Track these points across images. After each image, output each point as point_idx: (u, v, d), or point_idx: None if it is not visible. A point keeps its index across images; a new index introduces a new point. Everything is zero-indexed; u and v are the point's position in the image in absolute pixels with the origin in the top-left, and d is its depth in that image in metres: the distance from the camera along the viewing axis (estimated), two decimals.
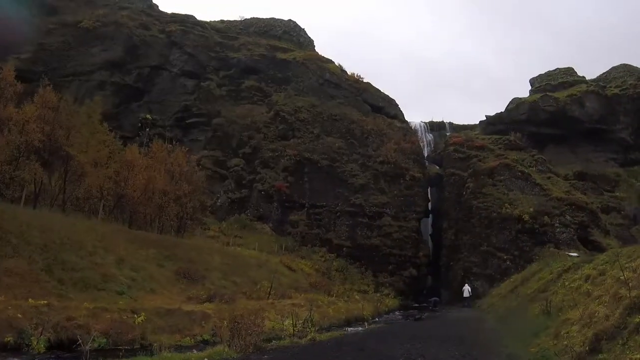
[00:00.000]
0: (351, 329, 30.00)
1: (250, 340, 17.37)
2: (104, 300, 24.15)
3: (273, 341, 20.92)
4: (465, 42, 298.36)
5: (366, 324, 31.79)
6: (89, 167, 37.37)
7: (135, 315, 21.76)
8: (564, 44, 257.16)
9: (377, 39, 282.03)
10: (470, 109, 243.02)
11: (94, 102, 42.08)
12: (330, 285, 47.60)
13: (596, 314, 15.83)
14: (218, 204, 63.83)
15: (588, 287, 20.15)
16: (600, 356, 13.04)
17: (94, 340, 19.29)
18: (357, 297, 45.86)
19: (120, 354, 17.28)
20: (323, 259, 56.63)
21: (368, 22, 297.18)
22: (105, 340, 20.04)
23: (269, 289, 36.32)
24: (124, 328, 21.35)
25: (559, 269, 28.87)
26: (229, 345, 17.41)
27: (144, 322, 21.61)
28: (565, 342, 15.36)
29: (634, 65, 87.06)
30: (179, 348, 20.54)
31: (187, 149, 48.61)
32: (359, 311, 38.58)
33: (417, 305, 54.88)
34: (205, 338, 23.33)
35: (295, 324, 28.81)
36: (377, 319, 38.82)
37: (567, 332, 16.45)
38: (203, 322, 25.53)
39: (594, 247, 50.79)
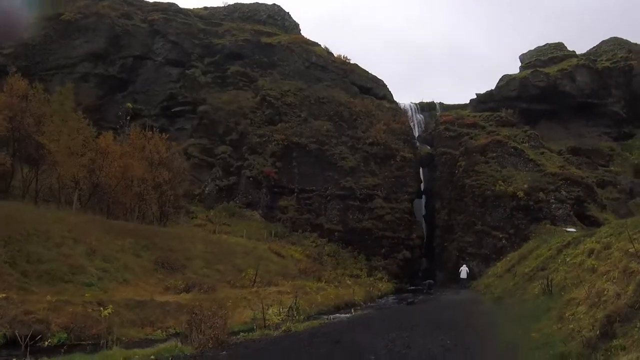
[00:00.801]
0: (339, 315, 27.80)
1: (211, 334, 15.15)
2: (68, 292, 22.55)
3: (241, 334, 18.73)
4: (453, 25, 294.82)
5: (353, 310, 29.56)
6: (61, 155, 35.13)
7: (102, 308, 19.86)
8: (552, 22, 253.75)
9: (364, 25, 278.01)
10: (461, 91, 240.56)
11: (66, 89, 39.65)
12: (321, 271, 45.56)
13: (605, 292, 13.77)
14: (206, 192, 61.63)
15: (592, 263, 17.98)
16: (615, 342, 10.90)
17: (53, 335, 18.41)
18: (348, 282, 43.81)
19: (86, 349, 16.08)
20: (314, 245, 54.50)
21: (354, 9, 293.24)
22: (66, 335, 18.79)
23: (254, 277, 34.27)
24: (88, 322, 19.94)
25: (558, 244, 26.74)
26: (183, 341, 15.23)
27: (111, 315, 19.74)
28: (572, 326, 13.28)
29: (624, 38, 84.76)
30: (149, 342, 19.00)
31: (167, 136, 46.26)
32: (350, 297, 36.63)
33: (412, 288, 52.96)
34: (178, 331, 21.35)
35: (280, 312, 26.94)
36: (369, 304, 36.77)
37: (573, 314, 14.33)
38: (177, 313, 23.70)
39: (591, 223, 48.73)
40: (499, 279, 33.52)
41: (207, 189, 61.96)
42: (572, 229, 42.25)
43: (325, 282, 41.02)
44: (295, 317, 26.64)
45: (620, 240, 18.26)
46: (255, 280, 34.23)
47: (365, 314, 26.83)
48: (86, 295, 22.68)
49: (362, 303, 36.77)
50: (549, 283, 18.84)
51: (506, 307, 21.10)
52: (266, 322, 25.36)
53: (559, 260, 22.86)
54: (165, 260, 32.07)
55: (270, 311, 26.87)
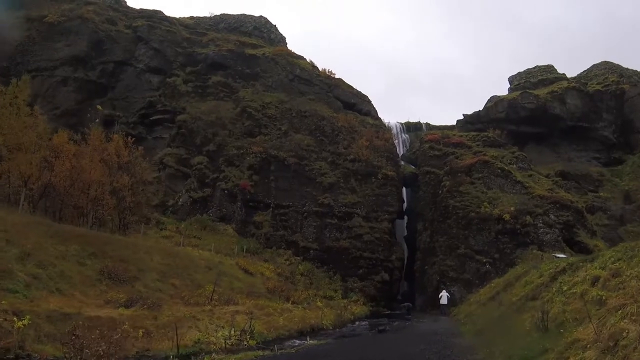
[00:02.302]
0: (294, 343, 23.72)
1: None
2: None
3: None
4: (442, 49, 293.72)
5: (309, 338, 25.21)
6: (7, 151, 31.16)
7: (16, 319, 16.29)
8: (539, 45, 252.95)
9: (352, 46, 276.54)
10: (448, 115, 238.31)
11: (23, 81, 35.56)
12: (291, 291, 41.38)
13: (624, 334, 10.01)
14: (179, 203, 57.60)
15: (599, 294, 14.08)
16: None
17: None
18: (319, 303, 39.57)
19: None
20: (288, 262, 50.36)
21: (341, 29, 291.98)
22: None
23: (211, 294, 30.26)
24: None
25: (551, 270, 22.82)
26: None
27: (26, 327, 16.19)
28: None
29: (615, 62, 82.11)
30: None
31: (132, 139, 42.00)
32: (317, 320, 32.60)
33: (388, 312, 48.96)
34: None
35: (230, 336, 23.07)
36: (337, 330, 32.78)
37: None
38: (109, 330, 20.14)
39: (581, 249, 45.16)
40: (481, 308, 29.49)
41: (180, 200, 57.93)
42: (562, 255, 38.44)
43: (292, 303, 36.97)
44: (247, 341, 22.92)
45: (633, 266, 14.48)
46: (212, 297, 30.20)
47: (324, 344, 22.70)
48: (3, 302, 18.83)
49: (330, 328, 32.88)
50: (544, 317, 14.90)
51: (490, 344, 17.13)
52: (212, 346, 21.77)
53: (554, 289, 18.99)
54: (112, 271, 28.00)
55: (219, 333, 23.15)
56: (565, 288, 17.86)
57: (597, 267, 17.18)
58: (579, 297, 15.55)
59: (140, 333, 21.16)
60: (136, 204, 38.80)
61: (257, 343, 23.17)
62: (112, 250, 30.72)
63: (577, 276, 18.24)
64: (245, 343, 22.73)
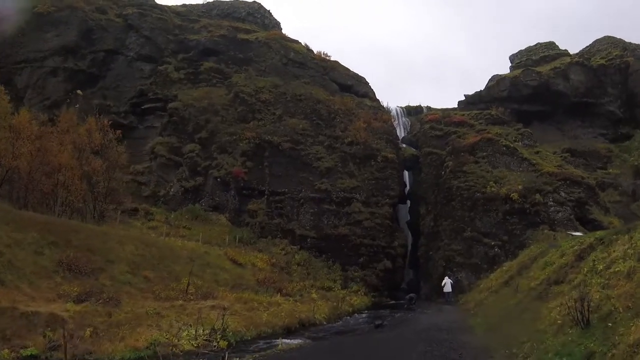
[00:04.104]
0: (272, 343, 19.69)
1: None
2: None
3: None
4: (437, 32, 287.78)
5: (280, 342, 20.71)
6: None
7: None
8: (538, 26, 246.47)
9: (349, 32, 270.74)
10: (446, 99, 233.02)
11: None
12: (284, 282, 37.49)
13: None
14: (171, 193, 53.79)
15: None
16: None
17: None
18: (314, 295, 35.54)
19: None
20: (284, 252, 46.39)
21: (337, 16, 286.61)
22: None
23: (186, 287, 26.39)
24: None
25: (575, 248, 18.66)
26: None
27: None
28: None
29: (618, 37, 77.50)
30: None
31: (109, 122, 38.02)
32: (309, 314, 28.59)
33: (392, 302, 45.03)
34: (34, 353, 15.50)
35: (197, 336, 19.22)
36: (332, 324, 28.91)
37: None
38: (49, 328, 17.03)
39: (595, 227, 40.86)
40: (494, 295, 25.30)
41: (172, 190, 54.06)
42: (578, 234, 34.28)
43: (284, 296, 32.98)
44: (217, 342, 19.01)
45: None
46: (187, 290, 26.28)
47: (297, 348, 18.59)
48: None
49: (324, 322, 29.03)
50: (583, 306, 10.73)
51: (509, 343, 13.03)
52: (171, 348, 17.93)
53: (585, 270, 14.92)
54: (73, 262, 24.39)
55: (184, 333, 19.27)
56: (601, 267, 13.81)
57: None
58: (625, 277, 11.50)
59: (88, 332, 17.79)
60: (111, 190, 34.88)
61: (229, 344, 19.28)
62: (78, 239, 27.16)
63: (615, 251, 14.15)
64: (215, 344, 18.85)
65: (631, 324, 8.96)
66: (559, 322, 12.00)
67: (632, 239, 13.72)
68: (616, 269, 12.46)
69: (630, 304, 9.94)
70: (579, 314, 10.75)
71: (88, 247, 26.86)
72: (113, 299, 21.51)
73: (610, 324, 9.74)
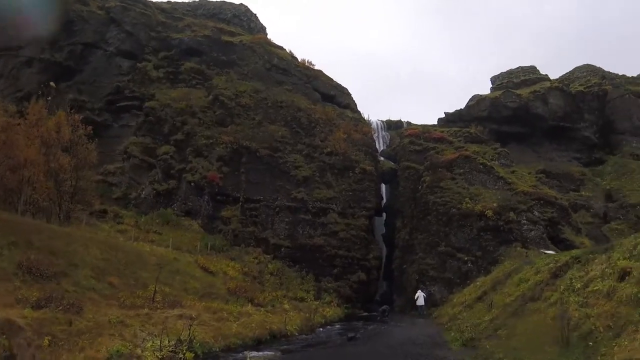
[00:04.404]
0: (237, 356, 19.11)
1: None
2: None
3: None
4: (421, 49, 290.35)
5: (247, 353, 19.94)
6: None
7: None
8: (522, 50, 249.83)
9: (335, 46, 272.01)
10: (429, 115, 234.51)
11: None
12: (256, 292, 36.65)
13: None
14: (142, 196, 52.47)
15: (636, 291, 9.75)
16: None
17: None
18: (286, 306, 35.03)
19: None
20: (257, 261, 45.53)
21: (321, 26, 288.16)
22: None
23: (152, 295, 25.53)
24: None
25: (550, 265, 18.41)
26: None
27: None
28: None
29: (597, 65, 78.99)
30: None
31: (80, 117, 36.97)
32: (281, 325, 27.90)
33: (365, 314, 44.56)
34: None
35: (162, 347, 18.51)
36: (304, 335, 28.31)
37: None
38: (4, 335, 15.68)
39: (566, 247, 40.91)
40: (468, 310, 25.00)
41: (143, 192, 52.84)
42: (551, 252, 34.24)
43: (255, 306, 32.26)
44: (183, 354, 18.35)
45: None
46: (154, 298, 25.43)
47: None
48: None
49: (295, 334, 28.35)
50: (564, 325, 10.41)
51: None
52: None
53: (561, 287, 14.64)
54: (35, 265, 23.11)
55: (149, 344, 18.49)
56: (578, 285, 13.57)
57: (622, 258, 12.84)
58: (605, 297, 11.21)
59: (46, 341, 16.55)
60: (78, 189, 33.73)
61: (196, 355, 18.68)
62: (40, 240, 25.89)
63: (592, 270, 13.90)
64: (181, 356, 18.18)
65: (613, 344, 8.67)
66: (537, 339, 11.70)
67: (610, 259, 13.52)
68: (594, 288, 12.22)
69: (610, 324, 9.66)
70: (558, 332, 10.45)
71: (50, 250, 25.63)
72: (75, 305, 20.53)
73: (590, 343, 9.45)
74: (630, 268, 11.48)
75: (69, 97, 59.66)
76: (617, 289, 11.06)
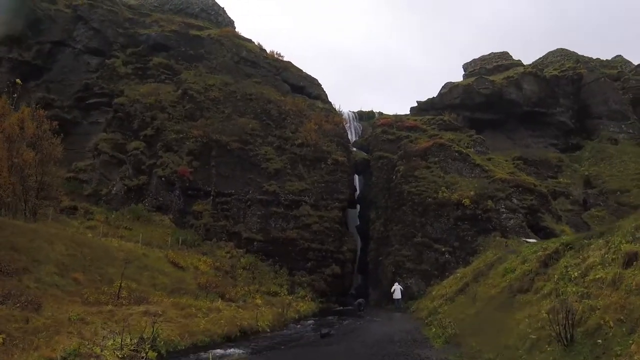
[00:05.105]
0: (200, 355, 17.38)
1: None
2: None
3: None
4: (395, 43, 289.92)
5: (210, 353, 18.17)
6: None
7: None
8: (491, 37, 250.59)
9: (305, 38, 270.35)
10: (402, 106, 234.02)
11: None
12: (228, 287, 35.08)
13: None
14: (113, 192, 50.53)
15: None
16: None
17: None
18: (258, 301, 33.45)
19: None
20: (229, 255, 43.92)
21: (290, 17, 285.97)
22: None
23: (117, 291, 23.84)
24: None
25: (539, 253, 16.95)
26: None
27: None
28: None
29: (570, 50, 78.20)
30: None
31: (45, 112, 35.07)
32: (252, 321, 26.31)
33: (340, 308, 43.16)
34: None
35: (123, 345, 16.84)
36: (276, 331, 26.72)
37: None
38: None
39: (547, 235, 39.81)
40: (449, 303, 23.39)
41: (114, 188, 50.88)
42: (532, 240, 33.01)
43: (227, 301, 30.67)
44: (146, 353, 16.74)
45: None
46: (119, 295, 23.73)
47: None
48: None
49: (267, 330, 26.77)
50: (567, 320, 8.90)
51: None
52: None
53: (555, 277, 13.15)
54: None
55: (109, 342, 16.88)
56: (575, 274, 12.10)
57: (624, 241, 11.42)
58: (610, 286, 9.76)
59: (0, 340, 15.30)
60: (44, 185, 32.01)
61: (159, 354, 17.04)
62: (2, 236, 24.32)
63: (590, 256, 12.45)
64: (144, 355, 16.64)
65: (630, 341, 7.20)
66: (532, 336, 10.23)
67: (610, 243, 12.13)
68: (596, 276, 10.81)
69: (622, 317, 8.23)
70: (560, 328, 8.97)
71: (12, 246, 24.06)
72: (33, 302, 18.89)
73: (599, 341, 8.00)
74: (637, 252, 10.09)
75: (38, 95, 57.92)
76: (624, 277, 9.66)
